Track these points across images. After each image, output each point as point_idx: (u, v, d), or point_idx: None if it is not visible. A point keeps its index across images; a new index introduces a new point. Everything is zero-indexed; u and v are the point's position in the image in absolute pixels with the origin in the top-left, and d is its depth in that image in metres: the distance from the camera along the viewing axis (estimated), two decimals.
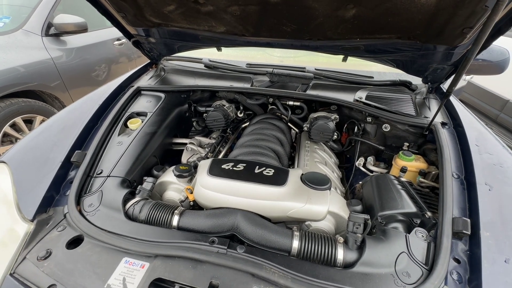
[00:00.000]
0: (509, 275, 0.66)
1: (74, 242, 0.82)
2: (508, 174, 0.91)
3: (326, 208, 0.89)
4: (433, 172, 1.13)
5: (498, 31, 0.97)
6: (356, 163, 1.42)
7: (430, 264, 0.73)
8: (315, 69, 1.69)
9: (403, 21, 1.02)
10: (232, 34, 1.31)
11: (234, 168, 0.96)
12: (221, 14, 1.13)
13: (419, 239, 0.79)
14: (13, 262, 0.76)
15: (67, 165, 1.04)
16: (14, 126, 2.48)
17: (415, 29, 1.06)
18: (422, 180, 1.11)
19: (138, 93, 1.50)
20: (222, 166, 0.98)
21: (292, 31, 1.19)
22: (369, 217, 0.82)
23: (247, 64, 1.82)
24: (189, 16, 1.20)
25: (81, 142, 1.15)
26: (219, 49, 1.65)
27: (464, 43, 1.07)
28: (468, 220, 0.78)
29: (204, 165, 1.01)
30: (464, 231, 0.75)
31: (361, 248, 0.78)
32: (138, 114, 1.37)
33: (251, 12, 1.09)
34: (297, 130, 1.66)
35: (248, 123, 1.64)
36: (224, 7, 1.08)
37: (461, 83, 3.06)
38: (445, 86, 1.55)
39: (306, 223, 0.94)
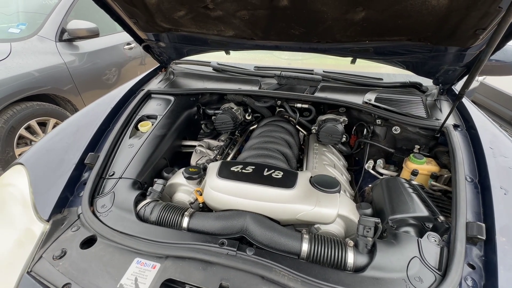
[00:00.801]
0: None
1: (88, 242, 0.84)
2: None
3: (336, 211, 0.88)
4: (445, 175, 1.11)
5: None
6: (366, 166, 1.40)
7: (443, 270, 0.71)
8: (323, 71, 1.68)
9: (413, 23, 1.01)
10: (240, 37, 1.33)
11: (243, 171, 0.97)
12: (230, 18, 1.15)
13: (431, 244, 0.77)
14: (30, 261, 0.79)
15: (81, 167, 1.07)
16: (29, 128, 2.56)
17: (425, 31, 1.05)
18: (434, 183, 1.09)
19: (148, 96, 1.53)
20: (231, 169, 0.98)
21: (301, 34, 1.20)
22: (379, 220, 0.81)
23: (255, 67, 1.83)
24: (199, 21, 1.23)
25: (94, 144, 1.18)
26: (227, 53, 1.67)
27: (477, 44, 1.05)
28: (483, 224, 0.76)
29: (213, 168, 1.02)
30: (479, 236, 0.73)
31: (371, 252, 0.78)
32: (149, 117, 1.40)
33: (260, 17, 1.10)
34: (305, 133, 1.66)
35: (256, 126, 1.65)
36: (233, 12, 1.10)
37: (474, 84, 2.99)
38: (456, 87, 1.52)
39: (315, 226, 0.94)
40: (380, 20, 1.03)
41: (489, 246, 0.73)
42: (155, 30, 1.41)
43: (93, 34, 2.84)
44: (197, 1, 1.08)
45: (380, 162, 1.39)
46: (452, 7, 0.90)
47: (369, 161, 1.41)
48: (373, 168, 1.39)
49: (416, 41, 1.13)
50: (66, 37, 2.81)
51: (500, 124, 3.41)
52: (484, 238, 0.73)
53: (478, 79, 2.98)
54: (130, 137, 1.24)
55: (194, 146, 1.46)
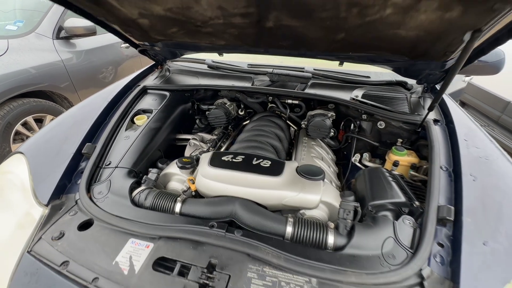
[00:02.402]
0: (486, 255, 0.70)
1: (85, 226, 0.88)
2: (492, 166, 0.95)
3: (319, 196, 0.94)
4: (425, 166, 1.18)
5: (481, 52, 1.03)
6: (352, 159, 1.47)
7: (415, 248, 0.78)
8: (314, 69, 1.75)
9: (389, 44, 1.10)
10: (232, 46, 1.39)
11: (233, 160, 1.03)
12: (220, 34, 1.20)
13: (406, 226, 0.84)
14: (29, 242, 0.83)
15: (78, 156, 1.12)
16: (25, 124, 2.59)
17: (401, 50, 1.14)
18: (414, 173, 1.16)
19: (144, 91, 1.58)
20: (222, 158, 1.04)
21: (289, 46, 1.26)
22: (359, 204, 0.88)
23: (248, 64, 1.89)
24: (191, 34, 1.27)
25: (91, 136, 1.23)
26: (220, 55, 1.73)
27: (452, 58, 1.12)
28: (452, 207, 0.82)
29: (205, 157, 1.07)
30: (448, 217, 0.80)
31: (351, 234, 0.84)
32: (144, 111, 1.45)
33: (248, 33, 1.16)
34: (295, 128, 1.72)
35: (249, 121, 1.70)
36: (223, 29, 1.15)
37: (461, 85, 3.07)
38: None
39: (301, 211, 1.00)
40: (360, 41, 1.11)
41: (457, 226, 0.80)
42: (150, 40, 1.47)
43: (90, 32, 2.88)
44: (187, 23, 1.13)
45: (366, 155, 1.46)
46: (418, 39, 1.00)
47: (356, 155, 1.48)
48: (360, 161, 1.45)
49: (395, 54, 1.20)
50: (63, 35, 2.85)
51: (487, 123, 3.51)
52: (452, 219, 0.80)
53: (465, 80, 3.07)
54: (126, 130, 1.29)
55: (188, 139, 1.52)
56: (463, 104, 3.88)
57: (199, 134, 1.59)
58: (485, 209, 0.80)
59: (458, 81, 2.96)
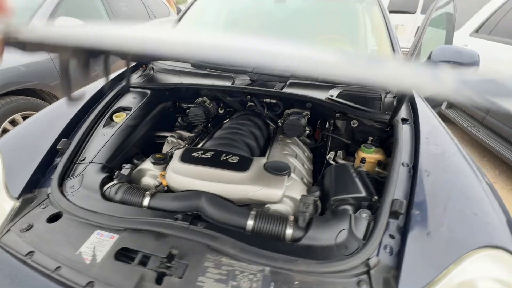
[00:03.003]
0: (429, 245, 0.74)
1: (54, 218, 0.91)
2: (447, 162, 0.99)
3: (282, 191, 0.98)
4: None
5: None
6: (327, 157, 1.50)
7: (367, 239, 0.82)
8: None
9: None
10: None
11: (203, 156, 1.06)
12: None
13: (362, 218, 0.88)
14: None
15: (54, 152, 1.15)
16: (13, 122, 2.60)
17: None
18: (378, 170, 1.20)
19: (125, 89, 1.61)
20: (193, 154, 1.08)
21: None
22: (318, 199, 0.91)
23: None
24: None
25: (68, 132, 1.25)
26: None
27: None
28: (404, 201, 0.86)
29: (177, 153, 1.11)
30: (399, 210, 0.84)
31: (309, 226, 0.87)
32: (124, 109, 1.48)
33: None
34: (274, 126, 1.75)
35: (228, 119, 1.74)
36: None
37: None
38: None
39: (266, 206, 1.04)
40: None
41: (407, 219, 0.84)
42: None
43: None
44: None
45: (340, 153, 1.49)
46: None
47: (330, 153, 1.52)
48: (334, 159, 1.49)
49: None
50: None
51: (473, 124, 3.56)
52: (402, 212, 0.84)
53: None
54: (104, 127, 1.32)
55: (167, 137, 1.55)
56: (450, 105, 3.93)
57: (178, 131, 1.62)
58: (433, 202, 0.84)
59: None
